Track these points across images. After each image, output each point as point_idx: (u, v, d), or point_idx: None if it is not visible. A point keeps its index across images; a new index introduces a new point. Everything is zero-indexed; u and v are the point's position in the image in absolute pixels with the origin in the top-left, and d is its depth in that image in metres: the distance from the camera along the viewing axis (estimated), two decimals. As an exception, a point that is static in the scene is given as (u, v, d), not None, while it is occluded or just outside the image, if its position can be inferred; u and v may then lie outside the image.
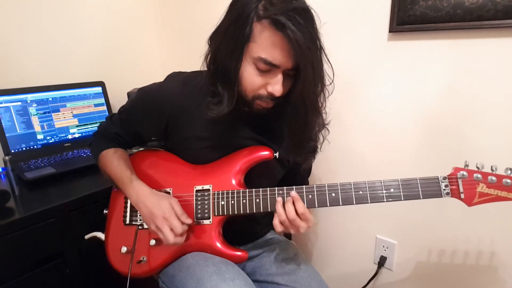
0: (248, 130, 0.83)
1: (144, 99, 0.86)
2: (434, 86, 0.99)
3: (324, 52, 0.71)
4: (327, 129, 0.82)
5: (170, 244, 0.76)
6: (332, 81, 0.75)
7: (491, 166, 0.68)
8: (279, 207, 0.74)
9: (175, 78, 0.83)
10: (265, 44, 0.66)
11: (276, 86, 0.69)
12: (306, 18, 0.64)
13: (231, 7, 0.69)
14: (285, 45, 0.64)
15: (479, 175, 0.68)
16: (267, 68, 0.68)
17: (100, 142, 0.93)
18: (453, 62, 0.94)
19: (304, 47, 0.63)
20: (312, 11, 0.66)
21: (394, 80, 1.05)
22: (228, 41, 0.68)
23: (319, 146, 0.84)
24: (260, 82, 0.70)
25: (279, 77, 0.69)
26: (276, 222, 0.74)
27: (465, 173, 0.69)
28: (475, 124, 0.95)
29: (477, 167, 0.68)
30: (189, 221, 0.79)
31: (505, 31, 0.85)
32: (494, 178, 0.67)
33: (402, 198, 0.72)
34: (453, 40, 0.93)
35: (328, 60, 0.72)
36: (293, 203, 0.73)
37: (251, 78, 0.70)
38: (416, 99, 1.02)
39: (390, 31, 1.00)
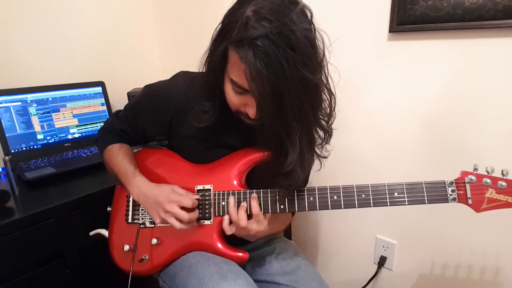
0: (249, 131, 0.83)
1: (150, 95, 0.86)
2: (434, 86, 0.99)
3: (323, 70, 0.65)
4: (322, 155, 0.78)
5: (182, 227, 0.76)
6: (333, 105, 0.71)
7: (502, 170, 0.64)
8: (231, 207, 0.76)
9: (182, 77, 0.84)
10: (235, 67, 0.63)
11: (249, 108, 0.67)
12: (278, 45, 0.56)
13: (223, 18, 0.66)
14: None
15: (489, 180, 0.65)
16: (240, 90, 0.65)
17: (106, 138, 0.94)
18: (453, 62, 0.94)
19: (258, 78, 0.58)
20: (298, 33, 0.57)
21: (394, 80, 1.05)
22: (213, 57, 0.68)
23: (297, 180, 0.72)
24: (238, 101, 0.68)
25: (254, 101, 0.64)
26: (225, 224, 0.76)
27: (473, 177, 0.66)
28: (475, 123, 0.95)
29: (487, 171, 0.65)
30: (196, 196, 0.79)
31: (505, 31, 0.85)
32: (504, 183, 0.63)
33: (407, 203, 0.69)
34: (453, 40, 0.93)
35: (327, 75, 0.67)
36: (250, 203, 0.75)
37: (229, 96, 0.69)
38: (416, 99, 1.02)
39: (390, 31, 1.00)
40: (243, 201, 0.78)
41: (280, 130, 0.65)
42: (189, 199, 0.76)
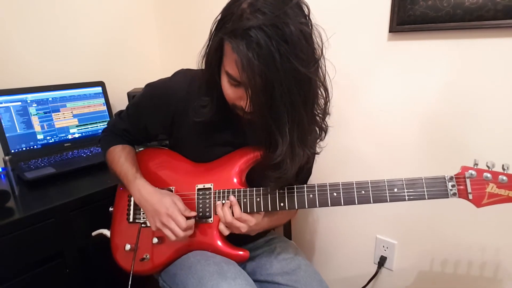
0: (249, 130, 0.83)
1: (151, 93, 0.87)
2: (434, 86, 0.99)
3: (319, 66, 0.65)
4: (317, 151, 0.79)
5: (176, 239, 0.77)
6: (327, 101, 0.71)
7: (502, 165, 0.64)
8: (219, 210, 0.78)
9: (183, 75, 0.84)
10: (229, 58, 0.63)
11: (243, 101, 0.67)
12: (271, 36, 0.56)
13: (221, 11, 0.66)
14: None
15: (489, 175, 0.64)
16: (234, 83, 0.65)
17: (109, 139, 0.95)
18: (453, 62, 0.94)
19: (249, 68, 0.58)
20: (292, 26, 0.57)
21: (394, 80, 1.05)
22: (210, 49, 0.68)
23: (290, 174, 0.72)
24: (233, 94, 0.68)
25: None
26: (221, 226, 0.78)
27: (473, 172, 0.65)
28: (475, 123, 0.95)
29: (487, 166, 0.64)
30: (193, 214, 0.80)
31: (505, 31, 0.86)
32: (505, 177, 0.63)
33: (406, 199, 0.69)
34: (453, 40, 0.93)
35: (323, 71, 0.67)
36: (231, 206, 0.77)
37: (225, 89, 0.69)
38: (416, 99, 1.02)
39: (390, 31, 1.00)
40: (243, 198, 0.78)
41: (271, 122, 0.65)
42: (184, 222, 0.76)
